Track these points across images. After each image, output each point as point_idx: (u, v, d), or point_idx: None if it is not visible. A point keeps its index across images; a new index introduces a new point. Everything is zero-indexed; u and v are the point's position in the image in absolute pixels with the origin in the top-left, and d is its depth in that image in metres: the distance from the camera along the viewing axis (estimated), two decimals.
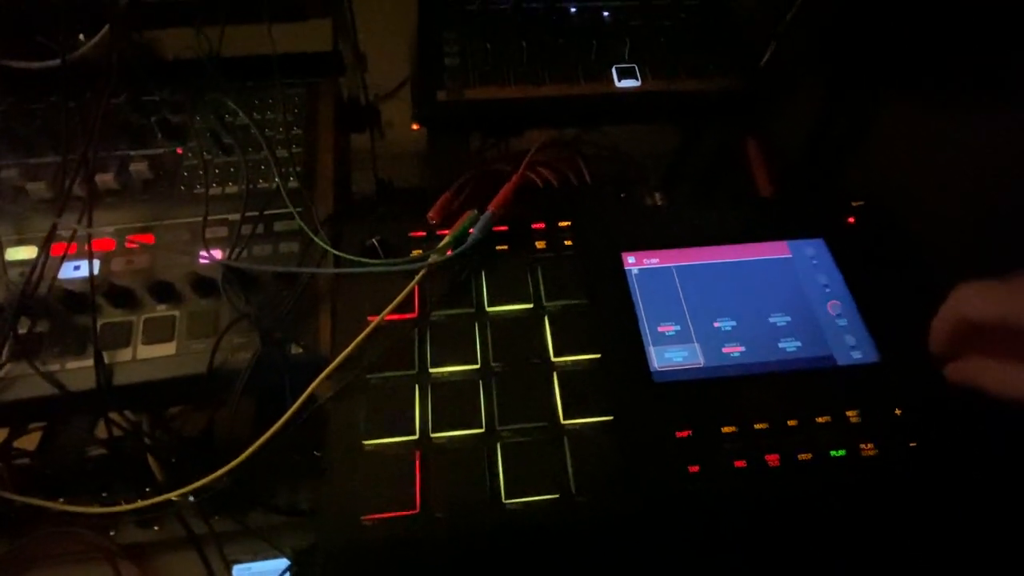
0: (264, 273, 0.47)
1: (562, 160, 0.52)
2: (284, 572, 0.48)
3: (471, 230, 0.44)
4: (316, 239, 0.46)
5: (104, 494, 0.56)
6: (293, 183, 0.52)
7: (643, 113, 0.62)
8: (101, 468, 0.57)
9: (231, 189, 0.52)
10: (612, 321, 0.43)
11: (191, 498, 0.45)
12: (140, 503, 0.42)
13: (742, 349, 0.43)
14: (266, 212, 0.50)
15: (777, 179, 0.58)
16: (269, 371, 0.44)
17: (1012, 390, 0.33)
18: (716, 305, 0.45)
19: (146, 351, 0.44)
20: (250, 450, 0.40)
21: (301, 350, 0.44)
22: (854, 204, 0.51)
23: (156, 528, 0.55)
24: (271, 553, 0.54)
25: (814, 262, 0.47)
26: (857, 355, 0.43)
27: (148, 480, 0.53)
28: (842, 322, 0.44)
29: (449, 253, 0.43)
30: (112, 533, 0.56)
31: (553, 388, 0.40)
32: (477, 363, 0.41)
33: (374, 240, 0.45)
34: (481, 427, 0.38)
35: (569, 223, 0.48)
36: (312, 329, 0.46)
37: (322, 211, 0.51)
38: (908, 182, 0.55)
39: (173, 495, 0.41)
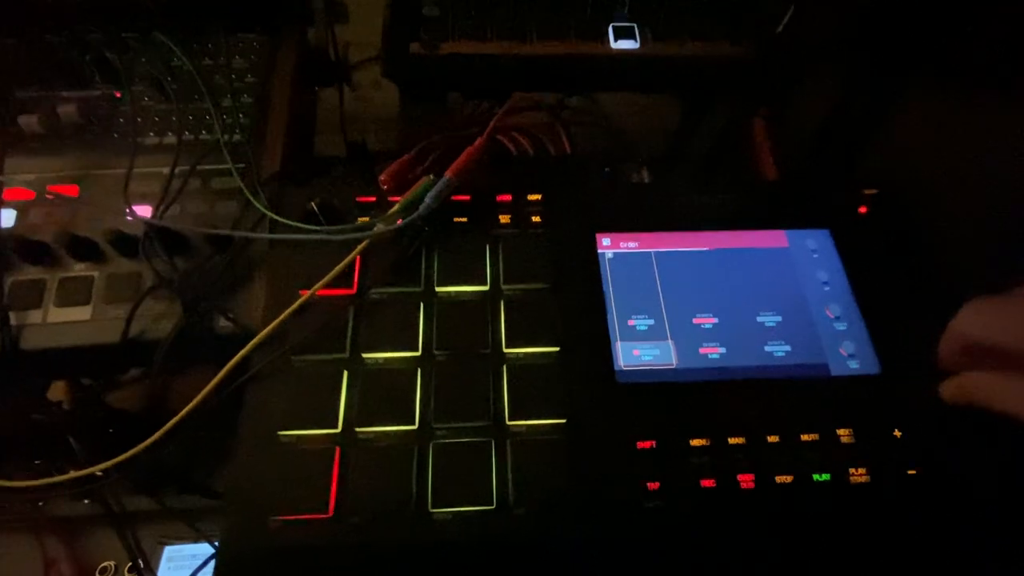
0: (195, 235, 0.42)
1: (541, 127, 0.46)
2: (209, 559, 0.45)
3: (426, 198, 0.39)
4: (252, 199, 0.41)
5: (37, 462, 0.52)
6: (239, 137, 0.47)
7: (640, 80, 0.55)
8: (38, 436, 0.54)
9: (171, 140, 0.47)
10: (577, 310, 0.38)
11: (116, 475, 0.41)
12: (57, 478, 0.38)
13: (722, 351, 0.37)
14: (201, 167, 0.45)
15: (784, 165, 0.52)
16: (193, 345, 0.39)
17: (1001, 402, 0.30)
18: (698, 298, 0.39)
19: (58, 314, 0.40)
20: (164, 429, 0.35)
21: (230, 324, 0.40)
22: (867, 192, 0.45)
23: (87, 503, 0.52)
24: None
25: (815, 255, 0.41)
26: (855, 365, 0.37)
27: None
28: (841, 326, 0.39)
29: (399, 223, 0.38)
30: (41, 504, 0.52)
31: (501, 383, 0.35)
32: (417, 350, 0.36)
33: (313, 204, 0.39)
34: (413, 423, 0.34)
35: (539, 197, 0.42)
36: (243, 301, 0.41)
37: (268, 169, 0.46)
38: (928, 176, 0.49)
39: (94, 470, 0.37)
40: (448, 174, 0.39)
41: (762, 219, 0.43)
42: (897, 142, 0.53)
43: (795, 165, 0.50)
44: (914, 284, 0.40)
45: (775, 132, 0.52)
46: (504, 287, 0.38)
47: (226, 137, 0.46)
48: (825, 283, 0.40)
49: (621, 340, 0.37)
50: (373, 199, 0.41)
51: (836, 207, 0.44)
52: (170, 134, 0.47)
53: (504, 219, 0.41)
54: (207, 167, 0.45)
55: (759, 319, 0.39)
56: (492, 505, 0.32)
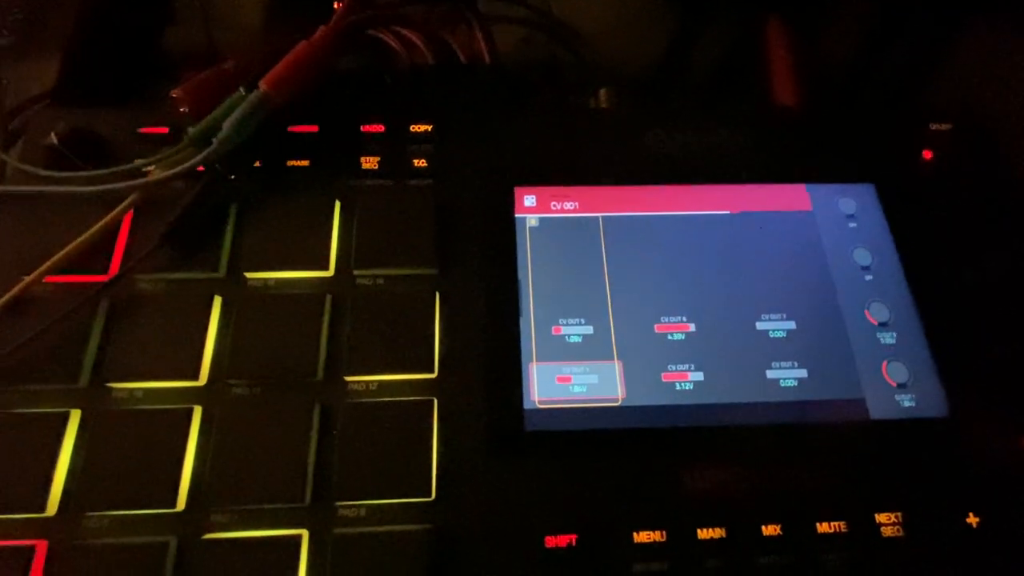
0: None
1: (447, 22, 0.31)
2: None
3: (224, 125, 0.24)
4: None
5: None
6: (4, 39, 0.32)
7: None
8: None
9: None
10: (471, 310, 0.24)
11: None
12: None
13: (699, 377, 0.24)
14: None
15: (808, 86, 0.37)
16: None
17: None
18: (665, 292, 0.25)
19: None
20: None
21: None
22: (934, 128, 0.30)
23: None
24: None
25: (852, 225, 0.27)
26: (908, 403, 0.24)
27: None
28: (888, 339, 0.25)
29: (185, 165, 0.24)
30: None
31: (332, 435, 0.22)
32: (197, 377, 0.22)
33: (55, 136, 0.25)
34: (174, 505, 0.20)
35: (429, 128, 0.27)
36: None
37: (36, 81, 0.31)
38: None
39: None
40: (263, 85, 0.24)
41: (773, 167, 0.28)
42: (970, 60, 0.37)
43: (824, 88, 0.35)
44: (1006, 274, 0.26)
45: (799, 41, 0.36)
46: (357, 273, 0.24)
47: None
48: (866, 268, 0.26)
49: (539, 360, 0.24)
50: (164, 130, 0.27)
51: (885, 150, 0.29)
52: None
53: (369, 162, 0.26)
54: None
55: (760, 326, 0.25)
56: None
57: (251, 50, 0.28)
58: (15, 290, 0.22)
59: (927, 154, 0.29)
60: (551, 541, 0.20)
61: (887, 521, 0.21)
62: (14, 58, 0.32)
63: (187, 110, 0.26)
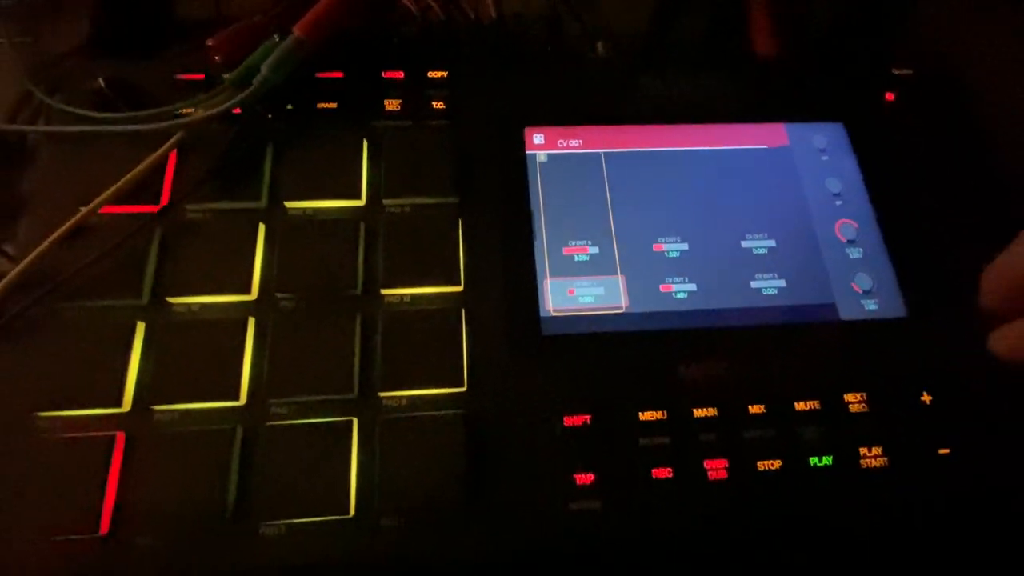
0: None
1: None
2: None
3: (262, 68, 0.26)
4: (28, 81, 0.28)
5: None
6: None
7: None
8: None
9: None
10: (491, 235, 0.27)
11: None
12: None
13: (692, 288, 0.27)
14: None
15: (786, 37, 0.40)
16: None
17: None
18: (661, 217, 0.28)
19: None
20: None
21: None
22: (897, 73, 0.33)
23: None
24: None
25: (824, 158, 0.30)
26: (872, 306, 0.27)
27: None
28: (855, 253, 0.28)
29: (222, 107, 0.26)
30: None
31: (375, 338, 0.24)
32: (250, 292, 0.25)
33: (101, 81, 0.27)
34: (238, 398, 0.23)
35: (445, 74, 0.30)
36: (10, 227, 0.29)
37: (67, 38, 0.33)
38: (983, 54, 0.37)
39: None
40: (296, 31, 0.26)
41: (754, 108, 0.31)
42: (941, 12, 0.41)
43: (802, 39, 0.38)
44: (956, 199, 0.30)
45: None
46: (387, 202, 0.27)
47: None
48: (836, 195, 0.30)
49: (552, 276, 0.27)
50: (200, 76, 0.29)
51: (853, 92, 0.32)
52: None
53: (392, 105, 0.29)
54: None
55: (745, 244, 0.28)
56: (349, 513, 0.22)
57: (275, 4, 0.31)
58: (75, 218, 0.25)
59: (889, 96, 0.32)
60: (569, 420, 0.24)
61: (854, 400, 0.25)
62: (36, 20, 0.34)
63: (221, 58, 0.28)
